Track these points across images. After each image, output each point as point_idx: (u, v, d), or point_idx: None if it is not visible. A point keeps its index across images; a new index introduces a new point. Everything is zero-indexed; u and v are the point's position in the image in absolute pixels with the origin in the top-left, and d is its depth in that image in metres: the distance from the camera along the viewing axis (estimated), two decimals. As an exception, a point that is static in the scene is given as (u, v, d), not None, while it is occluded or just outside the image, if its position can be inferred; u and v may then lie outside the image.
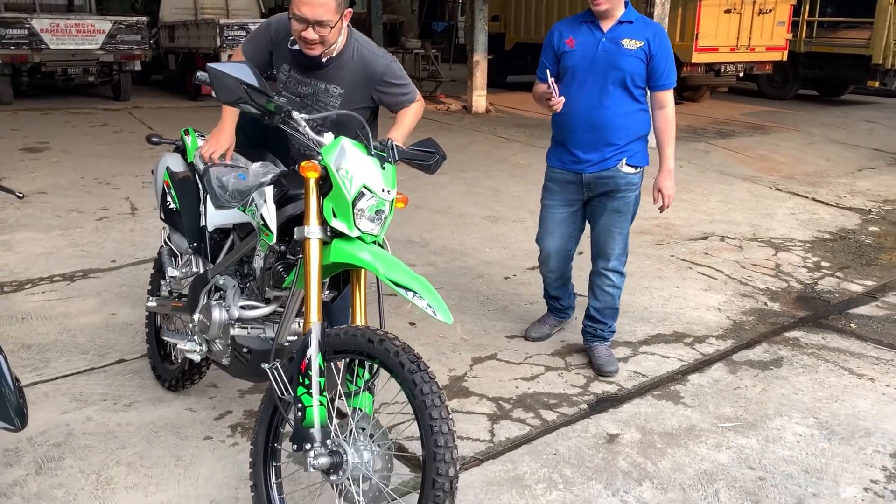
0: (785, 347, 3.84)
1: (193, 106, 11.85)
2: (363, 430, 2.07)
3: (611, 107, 3.24)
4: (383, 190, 2.19)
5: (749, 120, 11.51)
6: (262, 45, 2.83)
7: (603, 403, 3.24)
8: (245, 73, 2.12)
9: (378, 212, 2.19)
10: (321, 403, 2.03)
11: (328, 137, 2.26)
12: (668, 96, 3.33)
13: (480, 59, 11.79)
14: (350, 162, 2.15)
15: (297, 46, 2.68)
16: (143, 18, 11.59)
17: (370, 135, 2.27)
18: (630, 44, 3.20)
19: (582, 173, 3.37)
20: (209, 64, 2.16)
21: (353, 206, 2.13)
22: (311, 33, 2.54)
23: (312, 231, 2.15)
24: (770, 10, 12.43)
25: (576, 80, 3.28)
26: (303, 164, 2.15)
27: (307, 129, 2.25)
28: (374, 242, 2.22)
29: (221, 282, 2.71)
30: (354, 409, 2.11)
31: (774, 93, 14.14)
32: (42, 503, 2.46)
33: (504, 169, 7.69)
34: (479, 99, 11.93)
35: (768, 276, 4.91)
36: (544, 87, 3.24)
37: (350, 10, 2.65)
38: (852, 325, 4.15)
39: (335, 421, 2.10)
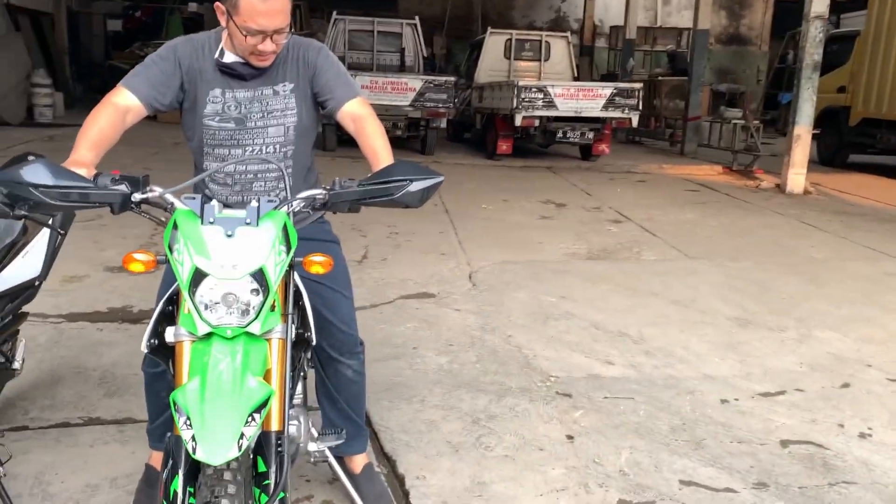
0: None
1: (488, 164, 12.11)
2: None
3: None
4: (223, 266, 1.59)
5: None
6: (164, 77, 2.25)
7: None
8: (36, 174, 1.60)
9: (227, 295, 1.60)
10: None
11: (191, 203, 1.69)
12: None
13: (802, 133, 10.29)
14: (182, 237, 1.62)
15: (228, 60, 2.26)
16: (451, 78, 12.19)
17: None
18: None
19: None
20: None
21: (192, 296, 1.58)
22: (268, 45, 2.13)
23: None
24: None
25: None
26: (126, 255, 1.69)
27: (166, 195, 1.78)
28: (247, 335, 1.65)
29: None
30: None
31: None
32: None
33: (788, 262, 6.39)
34: (797, 177, 10.37)
35: None
36: None
37: None
38: None
39: None
